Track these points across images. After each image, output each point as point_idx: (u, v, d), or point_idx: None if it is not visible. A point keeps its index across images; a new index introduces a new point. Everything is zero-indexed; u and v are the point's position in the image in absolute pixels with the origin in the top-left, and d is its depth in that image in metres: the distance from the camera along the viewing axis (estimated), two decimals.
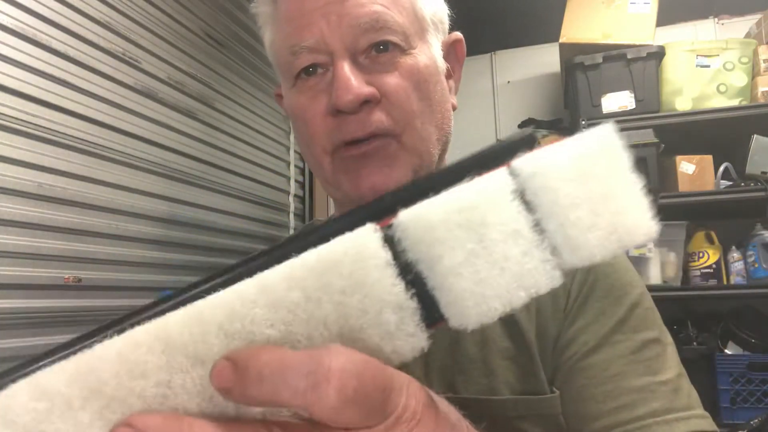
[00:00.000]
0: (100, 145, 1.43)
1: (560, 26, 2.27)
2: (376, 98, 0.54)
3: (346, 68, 0.53)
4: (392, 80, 0.55)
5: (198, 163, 1.81)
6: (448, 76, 0.63)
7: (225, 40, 2.00)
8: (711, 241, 2.16)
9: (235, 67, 2.05)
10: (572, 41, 2.24)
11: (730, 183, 2.11)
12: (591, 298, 0.56)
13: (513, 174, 0.32)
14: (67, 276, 1.32)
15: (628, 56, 2.13)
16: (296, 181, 2.43)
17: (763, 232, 2.07)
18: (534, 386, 0.54)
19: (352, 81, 0.53)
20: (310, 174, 2.52)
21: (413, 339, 0.31)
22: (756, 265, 2.06)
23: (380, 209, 0.32)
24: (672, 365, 0.54)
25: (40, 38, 1.28)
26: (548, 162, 0.32)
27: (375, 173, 0.55)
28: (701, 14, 2.52)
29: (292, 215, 2.38)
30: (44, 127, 1.28)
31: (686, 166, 2.12)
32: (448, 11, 0.63)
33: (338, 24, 0.54)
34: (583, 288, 0.57)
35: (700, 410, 0.53)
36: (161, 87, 1.66)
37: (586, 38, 2.22)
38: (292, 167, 2.40)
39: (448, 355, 0.54)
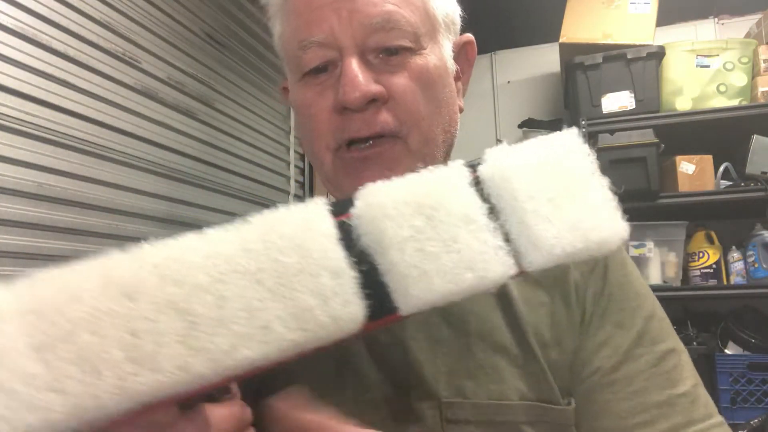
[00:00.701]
0: (100, 145, 1.43)
1: (560, 26, 2.27)
2: (384, 97, 0.53)
3: (354, 65, 0.53)
4: (401, 81, 0.54)
5: (198, 163, 1.81)
6: (457, 78, 0.62)
7: (225, 40, 2.00)
8: (711, 241, 2.16)
9: (235, 67, 2.05)
10: (572, 41, 2.24)
11: (730, 183, 2.11)
12: (609, 310, 0.56)
13: (473, 166, 0.33)
14: None
15: (628, 56, 2.13)
16: (296, 181, 2.42)
17: (763, 232, 2.07)
18: (545, 395, 0.53)
19: (360, 78, 0.52)
20: (310, 174, 2.52)
21: (349, 306, 0.31)
22: (756, 265, 2.06)
23: (345, 205, 0.34)
24: (688, 374, 0.55)
25: (40, 38, 1.28)
26: (510, 156, 0.33)
27: (376, 177, 0.54)
28: (701, 14, 2.52)
29: None
30: (44, 127, 1.28)
31: (686, 166, 2.12)
32: (460, 12, 0.62)
33: (349, 20, 0.53)
34: (600, 300, 0.56)
35: (717, 417, 0.54)
36: (161, 87, 1.66)
37: (586, 38, 2.22)
38: (292, 167, 2.40)
39: (458, 361, 0.53)
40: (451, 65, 0.60)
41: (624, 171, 2.07)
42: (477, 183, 0.33)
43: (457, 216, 0.31)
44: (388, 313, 0.32)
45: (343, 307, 0.31)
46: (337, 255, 0.31)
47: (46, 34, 1.30)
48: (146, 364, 0.28)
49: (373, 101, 0.53)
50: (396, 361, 0.54)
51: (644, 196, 2.05)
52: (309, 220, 0.32)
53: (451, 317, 0.55)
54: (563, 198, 0.32)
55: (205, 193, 1.84)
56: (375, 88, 0.52)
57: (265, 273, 0.30)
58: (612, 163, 2.08)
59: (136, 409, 0.29)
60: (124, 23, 1.53)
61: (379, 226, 0.31)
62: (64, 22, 1.34)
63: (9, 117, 1.20)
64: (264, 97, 2.23)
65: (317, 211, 0.32)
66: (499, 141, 2.52)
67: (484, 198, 0.33)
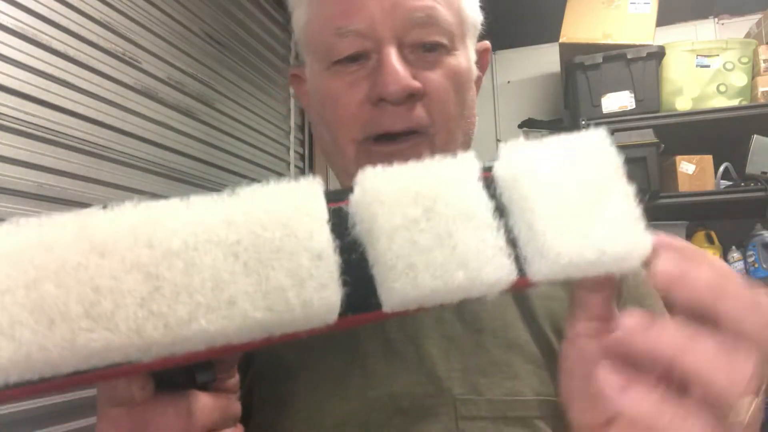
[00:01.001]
0: (100, 145, 1.43)
1: (560, 26, 2.27)
2: (421, 93, 0.53)
3: (393, 57, 0.52)
4: (436, 78, 0.53)
5: (198, 163, 1.81)
6: (476, 83, 0.62)
7: (225, 40, 2.00)
8: (711, 241, 2.16)
9: (235, 67, 2.05)
10: (572, 41, 2.24)
11: (730, 183, 2.11)
12: (626, 307, 0.56)
13: (486, 163, 0.31)
14: None
15: (628, 56, 2.13)
16: None
17: (763, 232, 2.07)
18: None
19: (401, 71, 0.51)
20: (311, 174, 2.52)
21: (323, 292, 0.29)
22: (756, 265, 2.06)
23: (345, 193, 0.32)
24: None
25: (40, 38, 1.28)
26: (526, 154, 0.31)
27: None
28: (701, 14, 2.52)
29: None
30: (44, 127, 1.28)
31: (686, 166, 2.12)
32: (481, 19, 0.62)
33: (391, 12, 0.52)
34: (617, 301, 0.56)
35: None
36: (161, 87, 1.66)
37: (586, 38, 2.22)
38: (292, 167, 2.40)
39: (472, 358, 0.53)
40: (475, 70, 0.59)
41: (624, 171, 2.07)
42: (489, 180, 0.31)
43: (456, 210, 0.29)
44: (370, 308, 0.30)
45: (317, 292, 0.29)
46: (322, 237, 0.29)
47: (46, 34, 1.30)
48: (102, 321, 0.27)
49: (411, 96, 0.52)
50: (408, 357, 0.53)
51: (644, 196, 2.05)
52: (298, 198, 0.30)
53: (464, 314, 0.55)
54: (579, 204, 0.29)
55: (205, 193, 1.83)
56: (415, 83, 0.52)
57: (241, 246, 0.29)
58: None
59: (90, 372, 0.28)
60: (124, 23, 1.53)
61: (371, 212, 0.30)
62: (64, 22, 1.34)
63: (9, 117, 1.20)
64: (264, 97, 2.22)
65: (310, 190, 0.31)
66: (499, 141, 2.52)
67: (494, 196, 0.30)
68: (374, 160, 0.54)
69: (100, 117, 1.43)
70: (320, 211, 0.30)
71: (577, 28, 2.25)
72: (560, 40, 2.26)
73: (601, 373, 0.29)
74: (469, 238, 0.29)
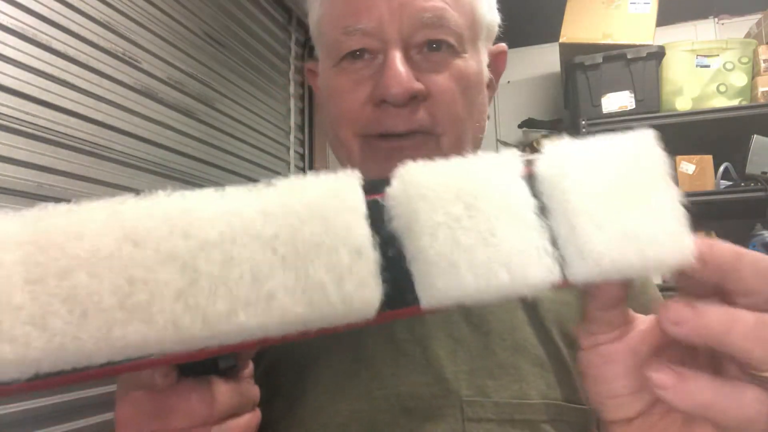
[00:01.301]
0: (100, 145, 1.43)
1: (560, 26, 2.27)
2: (423, 95, 0.53)
3: (398, 59, 0.52)
4: (441, 80, 0.53)
5: (198, 163, 1.81)
6: (488, 86, 0.61)
7: (225, 40, 2.00)
8: None
9: (235, 67, 2.05)
10: (572, 41, 2.24)
11: (730, 183, 2.11)
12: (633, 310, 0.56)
13: (527, 159, 0.30)
14: None
15: (628, 56, 2.13)
16: None
17: (763, 232, 2.07)
18: (567, 394, 0.53)
19: (404, 74, 0.51)
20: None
21: (363, 290, 0.28)
22: None
23: (381, 184, 0.31)
24: None
25: (40, 38, 1.28)
26: (569, 152, 0.30)
27: None
28: (701, 14, 2.52)
29: None
30: (44, 127, 1.28)
31: (686, 166, 2.12)
32: (499, 21, 0.62)
33: (399, 13, 0.52)
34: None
35: None
36: (161, 87, 1.66)
37: (586, 38, 2.22)
38: (292, 167, 2.40)
39: (479, 360, 0.53)
40: (486, 74, 0.59)
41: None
42: (531, 178, 0.30)
43: (500, 207, 0.28)
44: (407, 304, 0.30)
45: (357, 289, 0.28)
46: (361, 232, 0.28)
47: (46, 34, 1.30)
48: (137, 313, 0.27)
49: (413, 98, 0.52)
50: (415, 358, 0.53)
51: None
52: (337, 191, 0.29)
53: (472, 316, 0.55)
54: (623, 205, 0.28)
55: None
56: (417, 85, 0.52)
57: (280, 240, 0.28)
58: None
59: (124, 363, 0.28)
60: (124, 23, 1.53)
61: (412, 208, 0.29)
62: (64, 22, 1.34)
63: (9, 117, 1.20)
64: (264, 97, 2.22)
65: (348, 183, 0.30)
66: (499, 141, 2.52)
67: (536, 194, 0.30)
68: (379, 154, 0.54)
69: (100, 117, 1.43)
70: (360, 204, 0.29)
71: (577, 28, 2.25)
72: (560, 40, 2.27)
73: (654, 373, 0.29)
74: (512, 236, 0.28)
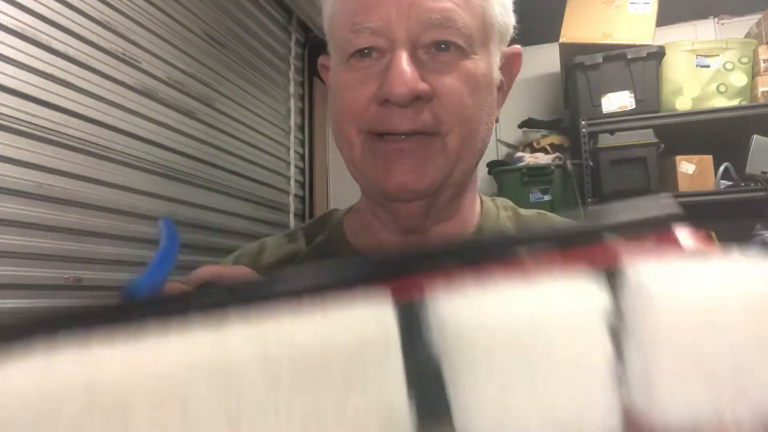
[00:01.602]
0: (100, 145, 1.43)
1: (560, 26, 2.27)
2: (428, 96, 0.52)
3: (404, 59, 0.52)
4: (448, 81, 0.53)
5: (198, 163, 1.81)
6: (499, 88, 0.61)
7: (225, 40, 2.00)
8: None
9: (235, 67, 2.05)
10: (572, 41, 2.24)
11: (730, 183, 2.11)
12: None
13: (614, 286, 0.25)
14: (67, 276, 1.32)
15: (628, 56, 2.13)
16: (296, 181, 2.42)
17: (763, 232, 2.07)
18: None
19: (409, 74, 0.51)
20: (310, 174, 2.52)
21: None
22: None
23: (407, 265, 0.26)
24: None
25: (40, 38, 1.28)
26: (676, 287, 0.24)
27: (407, 171, 0.54)
28: (701, 14, 2.52)
29: (292, 215, 2.38)
30: (44, 127, 1.28)
31: (686, 166, 2.12)
32: (514, 23, 0.61)
33: (407, 13, 0.52)
34: None
35: None
36: (161, 87, 1.66)
37: (586, 38, 2.22)
38: (292, 167, 2.40)
39: None
40: (497, 76, 0.59)
41: (624, 171, 2.07)
42: (614, 312, 0.24)
43: (570, 358, 0.24)
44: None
45: None
46: (399, 394, 0.23)
47: (46, 34, 1.30)
48: None
49: (418, 98, 0.52)
50: None
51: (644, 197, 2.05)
52: (369, 338, 0.24)
53: None
54: (712, 372, 0.23)
55: (205, 193, 1.84)
56: (422, 86, 0.52)
57: (296, 405, 0.23)
58: (612, 163, 2.08)
59: None
60: (124, 23, 1.53)
61: (466, 359, 0.24)
62: (64, 22, 1.34)
63: (9, 117, 1.20)
64: (264, 97, 2.23)
65: (390, 335, 0.24)
66: (499, 141, 2.51)
67: (617, 329, 0.24)
68: (381, 156, 0.54)
69: (100, 117, 1.43)
70: (395, 351, 0.24)
71: (577, 28, 2.25)
72: (560, 40, 2.26)
73: None
74: (577, 393, 0.24)
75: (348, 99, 0.55)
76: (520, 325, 0.24)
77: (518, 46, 0.63)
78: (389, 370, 0.23)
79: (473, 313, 0.24)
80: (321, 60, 0.65)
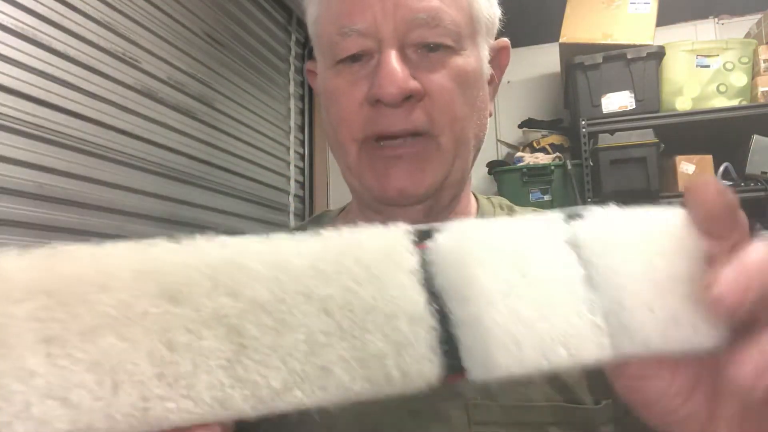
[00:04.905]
0: (100, 145, 1.43)
1: (560, 26, 2.27)
2: (420, 95, 0.52)
3: (393, 58, 0.51)
4: (438, 79, 0.53)
5: (198, 163, 1.81)
6: (490, 82, 0.61)
7: (225, 40, 2.00)
8: None
9: (235, 67, 2.05)
10: (572, 41, 2.24)
11: (730, 183, 2.11)
12: None
13: (572, 226, 0.28)
14: None
15: (628, 56, 2.13)
16: (296, 181, 2.42)
17: (763, 232, 2.07)
18: (572, 396, 0.52)
19: (399, 73, 0.50)
20: (310, 174, 2.52)
21: (423, 363, 0.25)
22: None
23: (419, 234, 0.28)
24: None
25: (40, 38, 1.28)
26: (613, 225, 0.28)
27: (404, 177, 0.53)
28: (701, 14, 2.52)
29: (292, 215, 2.38)
30: (44, 127, 1.28)
31: (686, 166, 2.12)
32: (500, 15, 0.61)
33: (393, 12, 0.52)
34: None
35: None
36: (161, 87, 1.66)
37: (586, 38, 2.22)
38: (292, 167, 2.40)
39: None
40: (487, 69, 0.58)
41: (624, 171, 2.07)
42: (575, 246, 0.28)
43: (555, 278, 0.26)
44: (451, 370, 0.26)
45: (416, 362, 0.25)
46: (418, 297, 0.26)
47: (46, 34, 1.30)
48: (179, 388, 0.22)
49: (409, 98, 0.51)
50: None
51: (644, 196, 2.05)
52: (390, 248, 0.26)
53: None
54: (666, 286, 0.26)
55: (205, 193, 1.84)
56: (413, 84, 0.51)
57: (334, 302, 0.24)
58: (612, 163, 2.08)
59: None
60: (124, 23, 1.53)
61: (469, 272, 0.26)
62: (64, 22, 1.34)
63: (9, 117, 1.20)
64: (264, 97, 2.23)
65: (400, 239, 0.27)
66: (499, 141, 2.51)
67: (584, 266, 0.27)
68: (377, 162, 0.53)
69: (100, 117, 1.43)
70: (414, 265, 0.26)
71: (577, 28, 2.25)
72: (560, 40, 2.26)
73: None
74: (568, 310, 0.26)
75: (339, 104, 0.55)
76: (507, 239, 0.27)
77: (506, 39, 0.62)
78: (416, 289, 0.26)
79: (466, 234, 0.27)
80: (308, 66, 0.65)
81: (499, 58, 0.62)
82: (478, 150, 0.59)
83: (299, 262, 0.25)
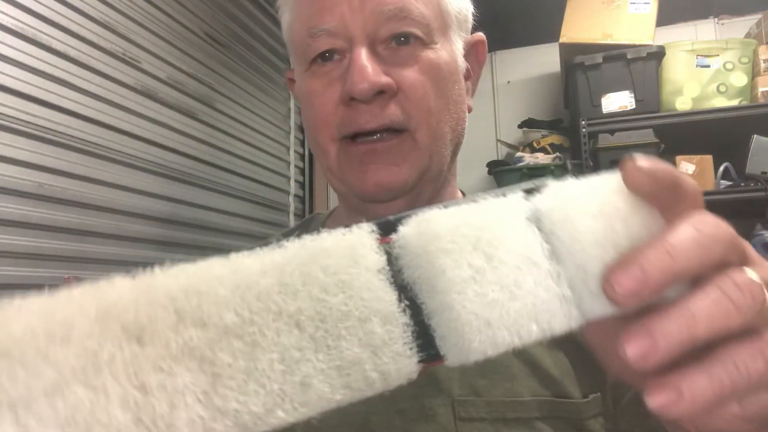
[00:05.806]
0: (100, 145, 1.43)
1: (560, 26, 2.27)
2: (392, 90, 0.52)
3: (363, 55, 0.52)
4: (410, 74, 0.53)
5: (198, 163, 1.81)
6: (467, 77, 0.61)
7: (225, 40, 2.00)
8: None
9: (235, 67, 2.05)
10: (572, 41, 2.24)
11: (730, 183, 2.11)
12: None
13: (531, 202, 0.29)
14: (67, 276, 1.32)
15: (628, 56, 2.13)
16: (296, 181, 2.43)
17: (763, 232, 2.07)
18: (559, 390, 0.52)
19: (369, 69, 0.51)
20: (310, 174, 2.52)
21: (400, 360, 0.26)
22: None
23: (383, 228, 0.28)
24: None
25: (40, 38, 1.28)
26: (571, 193, 0.28)
27: (382, 170, 0.54)
28: (701, 14, 2.52)
29: (292, 215, 2.38)
30: (44, 127, 1.28)
31: (686, 166, 2.12)
32: (473, 10, 0.61)
33: (361, 9, 0.52)
34: None
35: None
36: (161, 87, 1.66)
37: (586, 38, 2.22)
38: (292, 167, 2.40)
39: None
40: (462, 63, 0.59)
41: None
42: (536, 219, 0.28)
43: (518, 256, 0.27)
44: (429, 359, 0.27)
45: (393, 362, 0.25)
46: (388, 296, 0.26)
47: (46, 34, 1.30)
48: (159, 430, 0.22)
49: (381, 93, 0.52)
50: None
51: None
52: (355, 251, 0.26)
53: None
54: (627, 247, 0.27)
55: (205, 193, 1.84)
56: (384, 79, 0.52)
57: (304, 314, 0.24)
58: (612, 164, 2.07)
59: None
60: (124, 23, 1.53)
61: (435, 263, 0.26)
62: (64, 22, 1.34)
63: (9, 117, 1.20)
64: (264, 97, 2.23)
65: (365, 239, 0.27)
66: (499, 141, 2.50)
67: (546, 239, 0.28)
68: (355, 159, 0.54)
69: (100, 117, 1.43)
70: (382, 264, 0.26)
71: (577, 28, 2.25)
72: (560, 40, 2.26)
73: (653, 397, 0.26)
74: (535, 286, 0.27)
75: (316, 106, 0.55)
76: (470, 224, 0.27)
77: (481, 33, 0.63)
78: (385, 288, 0.26)
79: (429, 224, 0.27)
80: (287, 74, 0.65)
81: (475, 53, 0.63)
82: (457, 144, 0.59)
83: (264, 280, 0.25)
